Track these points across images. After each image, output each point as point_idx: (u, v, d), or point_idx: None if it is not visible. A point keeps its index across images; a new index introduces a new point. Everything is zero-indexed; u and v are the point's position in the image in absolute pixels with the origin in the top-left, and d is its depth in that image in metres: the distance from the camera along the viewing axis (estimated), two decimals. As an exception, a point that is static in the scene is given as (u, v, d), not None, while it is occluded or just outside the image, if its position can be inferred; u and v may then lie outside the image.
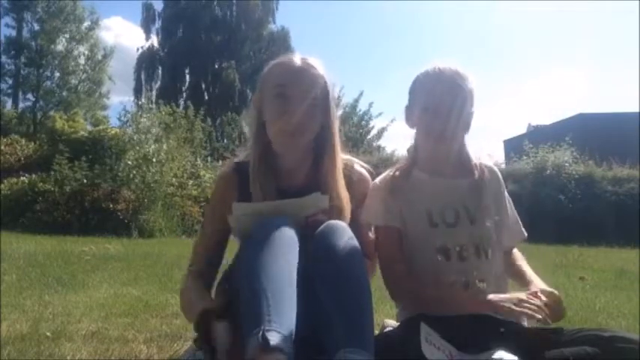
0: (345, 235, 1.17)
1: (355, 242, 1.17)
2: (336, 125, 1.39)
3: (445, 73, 1.34)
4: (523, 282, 1.40)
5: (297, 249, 1.15)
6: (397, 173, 1.45)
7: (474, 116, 1.39)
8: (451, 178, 1.41)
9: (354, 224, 1.35)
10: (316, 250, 1.14)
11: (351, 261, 1.12)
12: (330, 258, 1.12)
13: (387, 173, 1.47)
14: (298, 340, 1.01)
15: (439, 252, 1.35)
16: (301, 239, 1.17)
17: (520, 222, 1.50)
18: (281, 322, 0.98)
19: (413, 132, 1.46)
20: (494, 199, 1.42)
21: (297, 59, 1.36)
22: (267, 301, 1.00)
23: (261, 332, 0.95)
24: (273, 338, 0.94)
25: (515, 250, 1.52)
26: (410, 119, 1.45)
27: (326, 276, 1.10)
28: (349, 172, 1.43)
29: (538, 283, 1.34)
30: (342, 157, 1.42)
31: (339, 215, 1.31)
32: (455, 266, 1.34)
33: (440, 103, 1.32)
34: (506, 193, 1.48)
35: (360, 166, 1.48)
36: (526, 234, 1.50)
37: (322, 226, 1.19)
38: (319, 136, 1.37)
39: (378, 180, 1.47)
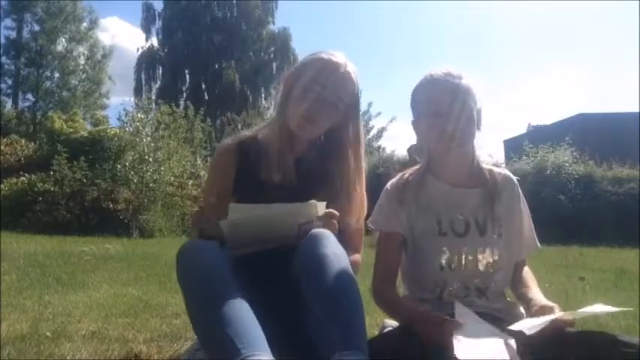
0: (330, 243, 1.18)
1: (341, 249, 1.19)
2: (362, 134, 1.48)
3: (438, 77, 1.34)
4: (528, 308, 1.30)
5: (228, 268, 1.16)
6: (410, 179, 1.43)
7: (482, 113, 1.37)
8: (464, 188, 1.40)
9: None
10: (303, 261, 1.16)
11: (338, 269, 1.13)
12: (318, 267, 1.13)
13: (398, 177, 1.46)
14: (294, 345, 1.02)
15: (444, 261, 1.34)
16: (292, 250, 1.20)
17: (534, 233, 1.44)
18: (256, 346, 0.99)
19: (414, 132, 1.45)
20: (506, 209, 1.39)
21: (339, 59, 1.42)
22: (233, 331, 1.01)
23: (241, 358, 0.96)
24: None
25: (526, 272, 1.44)
26: (419, 132, 1.43)
27: (315, 285, 1.12)
28: None
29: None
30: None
31: (346, 215, 1.37)
32: (458, 276, 1.33)
33: (440, 104, 1.31)
34: (522, 202, 1.44)
35: None
36: (539, 245, 1.45)
37: (307, 237, 1.20)
38: (334, 138, 1.45)
39: (389, 185, 1.45)
